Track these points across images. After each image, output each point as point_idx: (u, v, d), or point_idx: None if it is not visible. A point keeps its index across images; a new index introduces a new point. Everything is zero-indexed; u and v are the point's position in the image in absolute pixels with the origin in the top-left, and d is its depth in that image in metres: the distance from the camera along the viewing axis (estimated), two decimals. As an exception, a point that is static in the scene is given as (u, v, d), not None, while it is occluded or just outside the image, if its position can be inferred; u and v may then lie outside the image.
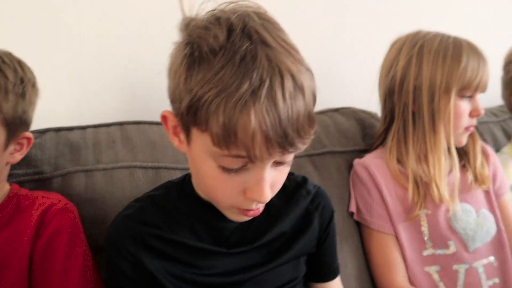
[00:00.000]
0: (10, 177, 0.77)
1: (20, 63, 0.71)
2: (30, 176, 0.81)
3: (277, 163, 0.58)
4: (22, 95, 0.68)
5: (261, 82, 0.51)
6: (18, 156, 0.71)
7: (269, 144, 0.52)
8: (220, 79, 0.52)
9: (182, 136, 0.61)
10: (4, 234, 0.67)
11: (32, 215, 0.69)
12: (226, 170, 0.56)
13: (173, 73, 0.58)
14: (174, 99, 0.58)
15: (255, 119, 0.51)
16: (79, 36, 0.97)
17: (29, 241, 0.67)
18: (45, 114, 0.93)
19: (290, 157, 0.58)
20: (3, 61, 0.68)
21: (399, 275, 0.90)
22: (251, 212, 0.61)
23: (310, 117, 0.55)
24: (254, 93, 0.51)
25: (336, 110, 1.16)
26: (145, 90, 1.03)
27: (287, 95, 0.52)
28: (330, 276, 0.79)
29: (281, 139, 0.52)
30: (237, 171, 0.56)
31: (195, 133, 0.57)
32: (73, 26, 0.97)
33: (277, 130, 0.52)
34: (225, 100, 0.51)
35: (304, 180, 0.76)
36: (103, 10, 0.99)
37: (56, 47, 0.96)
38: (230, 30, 0.54)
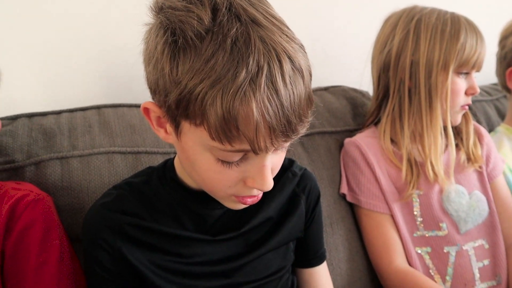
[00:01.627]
0: (-20, 166, 0.73)
1: None
2: (1, 165, 0.76)
3: (276, 149, 0.55)
4: None
5: (259, 68, 0.47)
6: None
7: (273, 135, 0.49)
8: (212, 68, 0.48)
9: (169, 128, 0.56)
10: None
11: (1, 208, 0.65)
12: (225, 162, 0.53)
13: (153, 62, 0.53)
14: (158, 90, 0.53)
15: (257, 109, 0.47)
16: (49, 15, 0.92)
17: (0, 236, 0.63)
18: (17, 101, 0.89)
19: (289, 143, 0.55)
20: None
21: (398, 256, 0.89)
22: (250, 200, 0.58)
23: (310, 99, 0.53)
24: (253, 81, 0.47)
25: (326, 89, 1.12)
26: (123, 71, 0.98)
27: (287, 80, 0.49)
28: (317, 262, 0.76)
29: (284, 128, 0.50)
30: (237, 162, 0.54)
31: (186, 126, 0.52)
32: (43, 5, 0.91)
33: (280, 119, 0.49)
34: (222, 91, 0.47)
35: (291, 162, 0.74)
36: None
37: (25, 28, 0.90)
38: (214, 9, 0.49)
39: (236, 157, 0.53)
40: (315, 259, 0.76)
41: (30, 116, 0.85)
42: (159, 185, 0.65)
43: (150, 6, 0.54)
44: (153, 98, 0.57)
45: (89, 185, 0.78)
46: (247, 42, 0.48)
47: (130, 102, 0.92)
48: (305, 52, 0.53)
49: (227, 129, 0.48)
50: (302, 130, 0.52)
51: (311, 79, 0.54)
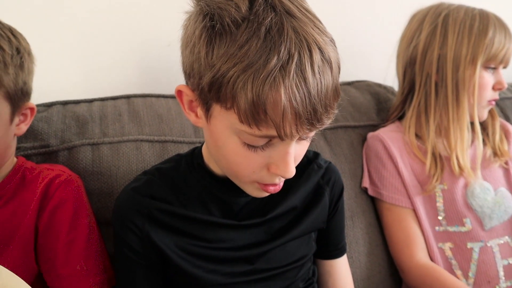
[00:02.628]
0: (18, 150, 0.77)
1: (12, 31, 0.68)
2: (36, 149, 0.80)
3: (301, 138, 0.56)
4: (21, 66, 0.66)
5: (290, 56, 0.49)
6: (24, 127, 0.71)
7: (298, 121, 0.51)
8: (245, 54, 0.50)
9: (200, 112, 0.58)
10: (10, 207, 0.67)
11: (36, 187, 0.68)
12: (251, 146, 0.55)
13: (190, 46, 0.55)
14: (192, 73, 0.55)
15: (285, 95, 0.49)
16: (85, 10, 0.95)
17: (34, 213, 0.67)
18: (52, 88, 0.93)
19: (313, 133, 0.57)
20: None
21: (420, 250, 0.89)
22: (272, 188, 0.60)
23: (337, 91, 0.54)
24: (283, 68, 0.49)
25: (350, 84, 1.13)
26: (153, 63, 1.01)
27: (316, 69, 0.50)
28: (338, 254, 0.77)
29: (310, 116, 0.51)
30: (262, 147, 0.55)
31: (217, 109, 0.54)
32: (77, 1, 0.95)
33: (307, 106, 0.50)
34: (253, 76, 0.49)
35: (316, 155, 0.75)
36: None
37: (63, 22, 0.94)
38: (252, 0, 0.52)
39: (261, 141, 0.54)
40: (336, 251, 0.77)
41: (64, 103, 0.89)
42: (187, 171, 0.67)
43: None
44: (186, 82, 0.59)
45: (117, 171, 0.81)
46: (280, 31, 0.50)
47: (158, 92, 0.95)
48: (335, 46, 0.55)
49: (255, 113, 0.50)
50: (327, 121, 0.54)
51: (339, 72, 0.55)
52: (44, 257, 0.67)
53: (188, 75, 0.57)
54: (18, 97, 0.66)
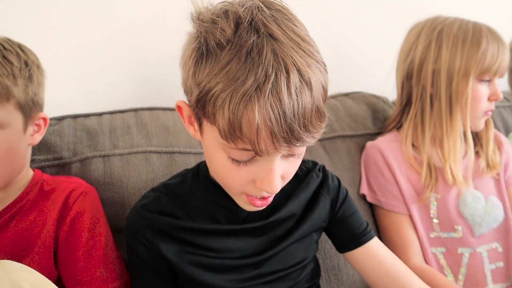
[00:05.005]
0: (32, 162, 0.81)
1: (20, 46, 0.72)
2: (50, 161, 0.84)
3: (288, 155, 0.59)
4: (30, 78, 0.70)
5: (266, 77, 0.51)
6: (38, 137, 0.74)
7: (274, 139, 0.53)
8: (226, 74, 0.52)
9: (196, 126, 0.62)
10: (29, 217, 0.71)
11: (55, 199, 0.72)
12: (236, 161, 0.58)
13: (183, 65, 0.60)
14: (186, 90, 0.60)
15: (259, 114, 0.51)
16: (93, 26, 0.99)
17: (54, 223, 0.70)
18: (62, 102, 0.96)
19: (300, 150, 0.59)
20: (4, 48, 0.69)
21: (415, 254, 0.92)
22: (259, 202, 0.62)
23: (319, 112, 0.55)
24: (259, 88, 0.51)
25: (346, 95, 1.17)
26: (158, 77, 1.05)
27: (293, 90, 0.52)
28: (367, 237, 0.76)
29: (286, 134, 0.52)
30: (246, 162, 0.57)
31: (206, 124, 0.58)
32: (87, 17, 0.98)
33: (282, 125, 0.52)
34: (231, 94, 0.52)
35: (314, 164, 0.78)
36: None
37: (71, 39, 0.98)
38: (237, 23, 0.55)
39: (244, 156, 0.56)
40: (363, 234, 0.76)
41: (75, 117, 0.92)
42: (194, 184, 0.71)
43: (191, 18, 0.60)
44: (186, 99, 0.63)
45: (128, 181, 0.85)
46: (260, 53, 0.52)
47: (164, 105, 0.98)
48: (323, 68, 0.56)
49: (231, 130, 0.53)
50: (310, 140, 0.55)
51: (325, 95, 0.56)
52: (65, 263, 0.70)
53: (185, 91, 0.62)
54: (30, 107, 0.70)
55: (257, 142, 0.52)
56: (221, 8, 0.58)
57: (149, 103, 0.99)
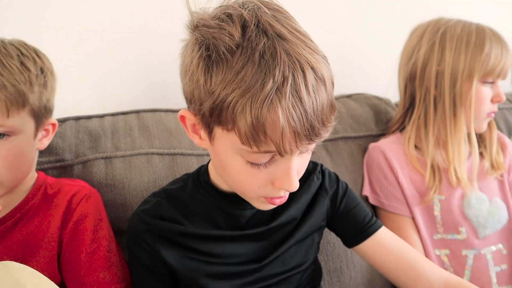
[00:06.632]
0: (34, 164, 0.81)
1: (36, 52, 0.72)
2: (52, 163, 0.84)
3: (301, 152, 0.59)
4: (45, 85, 0.71)
5: (284, 78, 0.52)
6: (46, 142, 0.75)
7: (297, 138, 0.53)
8: (242, 79, 0.52)
9: (203, 134, 0.61)
10: (34, 221, 0.71)
11: (59, 202, 0.72)
12: (254, 164, 0.57)
13: (189, 74, 0.58)
14: (193, 99, 0.58)
15: (283, 116, 0.51)
16: (94, 29, 0.99)
17: (58, 227, 0.71)
18: (64, 104, 0.96)
19: (314, 145, 0.59)
20: (22, 53, 0.69)
21: None
22: (278, 200, 0.62)
23: (332, 105, 0.57)
24: (279, 90, 0.52)
25: (349, 96, 1.16)
26: (160, 78, 1.05)
27: (310, 88, 0.53)
28: (374, 227, 0.75)
29: (308, 132, 0.53)
30: (266, 164, 0.58)
31: (219, 132, 0.57)
32: (89, 20, 0.99)
33: (304, 124, 0.53)
34: (251, 100, 0.52)
35: (314, 166, 0.77)
36: (116, 4, 1.01)
37: (74, 41, 0.98)
38: (244, 26, 0.54)
39: (264, 159, 0.57)
40: (369, 225, 0.75)
41: (77, 119, 0.92)
42: (194, 189, 0.70)
43: (186, 24, 0.60)
44: (188, 107, 0.62)
45: (130, 183, 0.85)
46: (274, 55, 0.53)
47: (166, 107, 0.98)
48: (327, 62, 0.57)
49: (255, 134, 0.53)
50: (325, 134, 0.56)
51: (333, 88, 0.58)
52: (68, 266, 0.70)
53: (189, 101, 0.60)
54: (42, 113, 0.71)
55: (282, 143, 0.53)
56: (223, 12, 0.57)
57: (151, 105, 0.99)
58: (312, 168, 0.77)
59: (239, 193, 0.65)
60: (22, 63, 0.68)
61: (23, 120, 0.67)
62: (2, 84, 0.64)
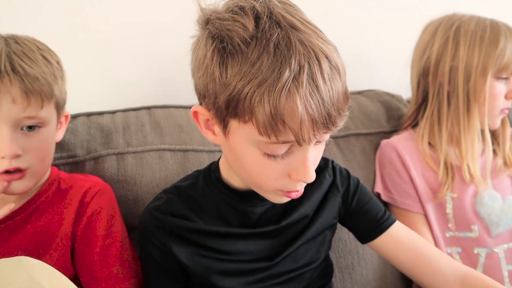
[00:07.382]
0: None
1: (47, 46, 0.73)
2: (64, 159, 0.85)
3: (317, 142, 0.59)
4: (62, 77, 0.72)
5: (300, 67, 0.52)
6: (61, 134, 0.76)
7: (315, 127, 0.54)
8: (258, 70, 0.53)
9: (217, 129, 0.61)
10: (47, 216, 0.71)
11: (72, 197, 0.73)
12: (271, 156, 0.58)
13: (203, 69, 0.58)
14: (208, 94, 0.58)
15: (301, 104, 0.52)
16: (106, 26, 1.00)
17: (71, 221, 0.71)
18: (76, 100, 0.96)
19: (328, 136, 0.59)
20: (39, 48, 0.70)
21: None
22: (294, 194, 0.62)
23: (346, 94, 0.57)
24: (296, 79, 0.52)
25: (360, 93, 1.16)
26: (171, 74, 1.05)
27: (326, 77, 0.54)
28: (388, 222, 0.75)
29: (325, 120, 0.54)
30: (282, 156, 0.58)
31: (235, 125, 0.57)
32: (101, 17, 0.99)
33: (321, 112, 0.54)
34: (268, 90, 0.52)
35: (326, 163, 0.77)
36: (127, 0, 1.01)
37: (85, 38, 0.99)
38: (257, 18, 0.55)
39: (282, 149, 0.57)
40: (382, 221, 0.74)
41: (88, 115, 0.92)
42: (205, 186, 0.70)
43: (197, 20, 0.60)
44: (201, 103, 0.62)
45: (142, 179, 0.85)
46: (288, 45, 0.53)
47: (177, 103, 0.98)
48: (338, 52, 0.58)
49: (274, 124, 0.53)
50: (341, 123, 0.57)
51: (345, 76, 0.58)
52: (81, 260, 0.71)
53: (202, 96, 0.60)
54: (61, 105, 0.73)
55: (301, 131, 0.53)
56: (235, 4, 0.57)
57: (163, 101, 0.99)
58: (324, 164, 0.76)
59: (254, 188, 0.65)
60: (43, 57, 0.69)
61: (50, 112, 0.69)
62: (35, 76, 0.65)
